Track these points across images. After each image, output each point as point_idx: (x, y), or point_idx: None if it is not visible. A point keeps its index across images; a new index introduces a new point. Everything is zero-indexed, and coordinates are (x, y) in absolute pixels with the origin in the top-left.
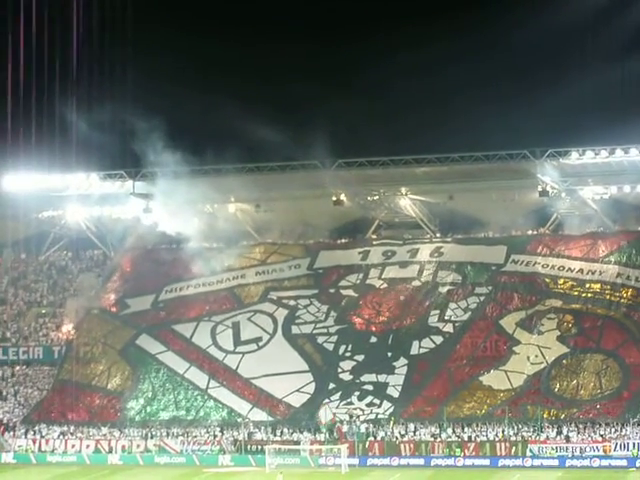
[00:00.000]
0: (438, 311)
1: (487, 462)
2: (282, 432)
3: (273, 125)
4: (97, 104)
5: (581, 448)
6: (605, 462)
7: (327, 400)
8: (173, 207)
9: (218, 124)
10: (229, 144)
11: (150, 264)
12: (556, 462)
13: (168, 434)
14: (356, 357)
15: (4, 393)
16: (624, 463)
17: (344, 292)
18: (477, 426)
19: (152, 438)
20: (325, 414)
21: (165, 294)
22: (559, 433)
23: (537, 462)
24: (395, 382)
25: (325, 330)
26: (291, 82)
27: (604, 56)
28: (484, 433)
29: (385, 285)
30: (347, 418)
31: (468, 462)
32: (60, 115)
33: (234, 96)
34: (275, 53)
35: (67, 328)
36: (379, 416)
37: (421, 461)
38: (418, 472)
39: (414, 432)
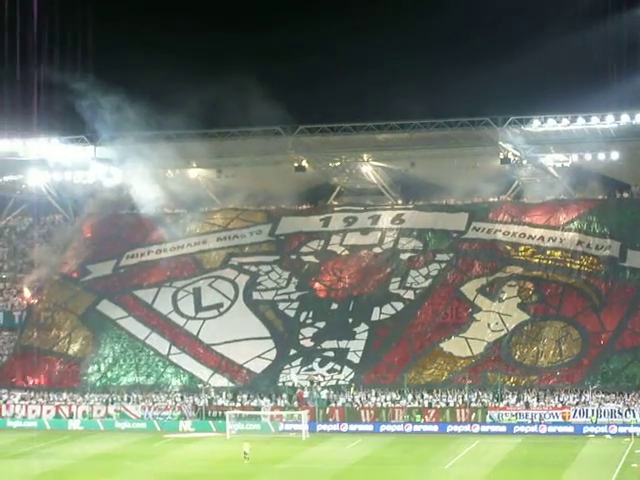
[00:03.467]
0: (399, 278)
1: (447, 428)
2: (243, 398)
3: (235, 91)
4: (58, 69)
5: (541, 415)
6: (564, 428)
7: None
8: (134, 172)
9: (180, 89)
10: (191, 109)
11: (111, 229)
12: (516, 428)
13: (129, 400)
14: (317, 323)
15: None
16: (584, 429)
17: (305, 258)
18: (437, 392)
19: (113, 404)
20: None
21: (126, 260)
22: (519, 400)
23: (497, 428)
24: (356, 348)
25: (286, 296)
26: (256, 48)
27: (566, 23)
28: (444, 399)
29: (346, 252)
30: (308, 384)
31: (428, 428)
32: (21, 80)
33: (197, 61)
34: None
35: (27, 293)
36: (340, 382)
37: (382, 427)
38: (378, 438)
39: (375, 398)
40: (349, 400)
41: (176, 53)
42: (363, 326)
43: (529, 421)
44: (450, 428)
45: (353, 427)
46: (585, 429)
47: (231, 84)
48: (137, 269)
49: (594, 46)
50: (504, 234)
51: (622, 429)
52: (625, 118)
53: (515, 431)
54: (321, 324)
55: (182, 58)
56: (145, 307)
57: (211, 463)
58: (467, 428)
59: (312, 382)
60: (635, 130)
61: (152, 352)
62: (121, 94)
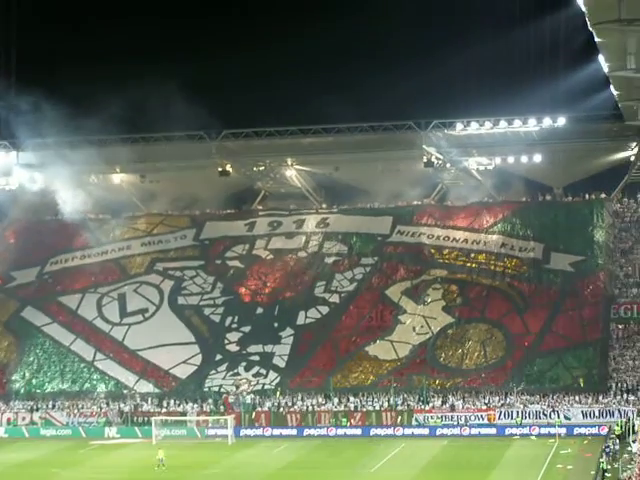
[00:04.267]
0: (324, 282)
1: (373, 431)
2: (169, 403)
3: (159, 95)
4: None
5: (466, 417)
6: (490, 430)
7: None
8: (58, 178)
9: (103, 93)
10: (114, 114)
11: (35, 235)
12: (442, 431)
13: (54, 406)
14: (242, 328)
15: None
16: (509, 431)
17: (230, 263)
18: (363, 396)
19: (38, 410)
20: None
21: (50, 266)
22: (444, 402)
23: (422, 431)
24: (281, 352)
25: (212, 301)
26: (180, 52)
27: (489, 28)
28: (370, 403)
29: (271, 256)
30: (234, 389)
31: (354, 431)
32: None
33: (120, 65)
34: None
35: None
36: (266, 386)
37: (308, 431)
38: (305, 442)
39: (301, 402)
40: (275, 404)
41: (99, 57)
42: (288, 330)
43: (455, 423)
44: (376, 431)
45: (279, 431)
46: (510, 430)
47: (155, 88)
48: (61, 275)
49: (516, 50)
50: (428, 237)
51: (547, 430)
52: (547, 121)
53: (441, 433)
54: (246, 329)
55: (105, 62)
56: (70, 313)
57: (137, 469)
58: (394, 431)
59: (238, 387)
60: (557, 133)
61: (77, 358)
62: (43, 98)
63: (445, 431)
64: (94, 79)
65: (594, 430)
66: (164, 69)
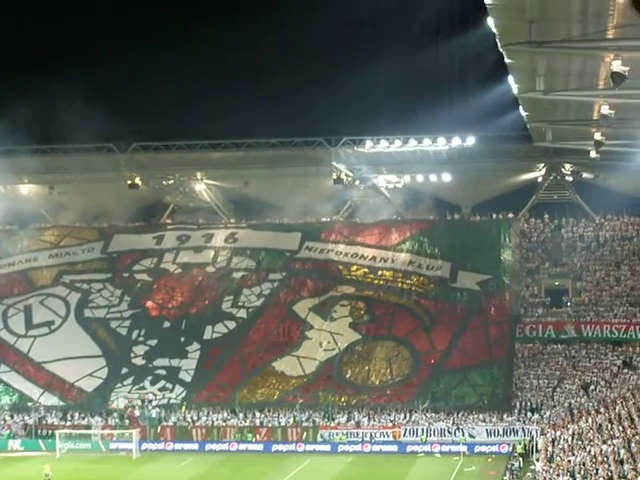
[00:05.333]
0: (232, 297)
1: (279, 447)
2: (73, 416)
3: (67, 106)
4: None
5: (371, 434)
6: (395, 447)
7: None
8: None
9: (11, 104)
10: (22, 124)
11: None
12: (347, 447)
13: None
14: (149, 342)
15: None
16: (413, 448)
17: (138, 276)
18: (269, 411)
19: None
20: (118, 402)
21: None
22: (350, 419)
23: (328, 447)
24: (188, 367)
25: (119, 314)
26: (93, 62)
27: (400, 46)
28: (276, 419)
29: (179, 270)
30: (139, 403)
31: (259, 447)
32: None
33: (28, 74)
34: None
35: None
36: (171, 401)
37: (213, 446)
38: (210, 457)
39: (206, 417)
40: (180, 419)
41: (10, 64)
42: (195, 345)
43: (360, 440)
44: (281, 447)
45: (184, 446)
46: (415, 448)
47: (63, 99)
48: None
49: (427, 69)
50: (336, 254)
51: (451, 447)
52: (456, 141)
53: (346, 450)
54: (153, 342)
55: (12, 70)
56: None
57: None
58: (298, 447)
59: (143, 401)
60: (466, 152)
61: None
62: None
63: (350, 448)
64: (3, 87)
65: (498, 448)
66: (73, 79)
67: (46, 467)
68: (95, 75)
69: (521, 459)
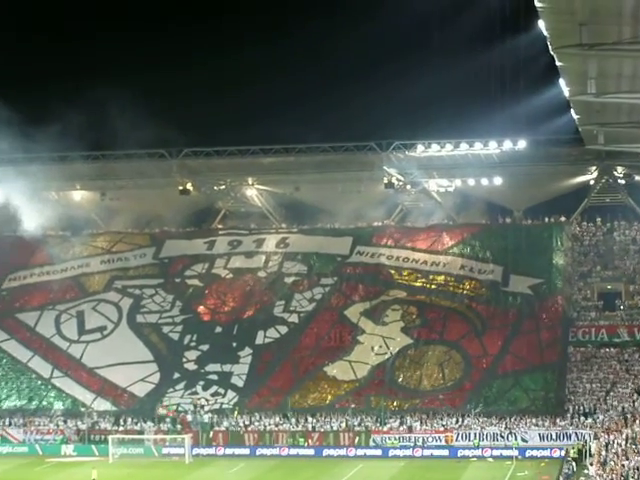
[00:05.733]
0: (283, 301)
1: (330, 452)
2: (126, 422)
3: (120, 112)
4: None
5: (424, 438)
6: (447, 452)
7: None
8: (18, 194)
9: (63, 110)
10: (76, 131)
11: None
12: (399, 452)
13: (10, 423)
14: (201, 347)
15: None
16: (465, 453)
17: (189, 282)
18: (321, 416)
19: None
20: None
21: (9, 282)
22: (402, 423)
23: (380, 452)
24: (240, 372)
25: (170, 320)
26: (142, 70)
27: (451, 49)
28: (328, 423)
29: (231, 275)
30: (191, 408)
31: (311, 452)
32: None
33: (81, 82)
34: (116, 41)
35: None
36: (223, 406)
37: (265, 451)
38: (262, 462)
39: (258, 422)
40: (232, 424)
41: (60, 72)
42: (247, 350)
43: (412, 444)
44: (333, 452)
45: (236, 451)
46: (467, 452)
47: (115, 105)
48: (20, 292)
49: (478, 72)
50: (388, 258)
51: (504, 452)
52: (508, 144)
53: (398, 455)
54: (205, 347)
55: (68, 77)
56: (27, 330)
57: None
58: (350, 452)
59: (195, 406)
60: (517, 156)
61: (34, 375)
62: (5, 115)
63: (402, 452)
64: (53, 95)
65: (551, 453)
66: (126, 86)
67: (93, 472)
68: (146, 82)
69: (574, 463)
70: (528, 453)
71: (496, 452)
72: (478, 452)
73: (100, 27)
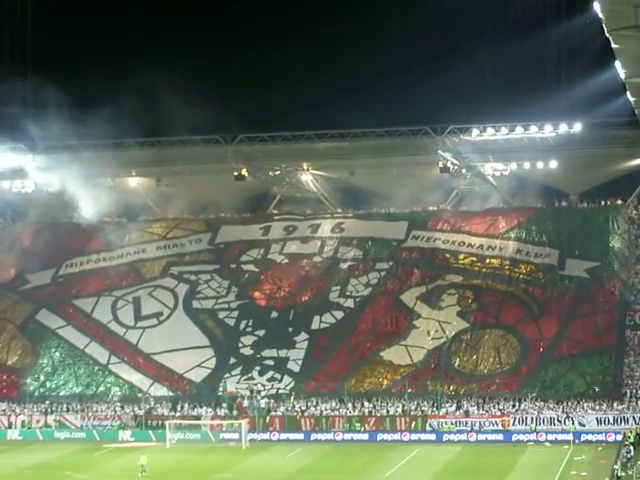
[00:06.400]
0: (339, 286)
1: (387, 436)
2: (183, 407)
3: (175, 99)
4: None
5: (480, 423)
6: (504, 436)
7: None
8: (73, 180)
9: (120, 97)
10: (130, 117)
11: (50, 238)
12: (455, 436)
13: (68, 409)
14: (257, 332)
15: None
16: (522, 437)
17: (245, 267)
18: (377, 401)
19: (52, 413)
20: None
21: (65, 269)
22: (458, 408)
23: (436, 436)
24: (296, 357)
25: (226, 305)
26: (197, 56)
27: (504, 33)
28: (384, 408)
29: (286, 260)
30: (248, 393)
31: (367, 436)
32: None
33: (136, 68)
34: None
35: None
36: (280, 391)
37: (321, 436)
38: (319, 447)
39: (315, 407)
40: (289, 409)
41: (116, 58)
42: (303, 335)
43: (468, 429)
44: (390, 436)
45: (293, 436)
46: (524, 437)
47: (171, 92)
48: (76, 278)
49: (533, 55)
50: (443, 242)
51: (561, 437)
52: (563, 127)
53: (454, 439)
54: (261, 332)
55: (123, 66)
56: (84, 316)
57: (151, 473)
58: (407, 436)
59: (252, 391)
60: (573, 139)
61: (91, 361)
62: (57, 100)
63: (458, 437)
64: (109, 81)
65: (608, 437)
66: (180, 72)
67: (142, 458)
68: (201, 68)
69: (632, 447)
70: (585, 437)
71: (553, 436)
72: (535, 436)
73: (159, 10)
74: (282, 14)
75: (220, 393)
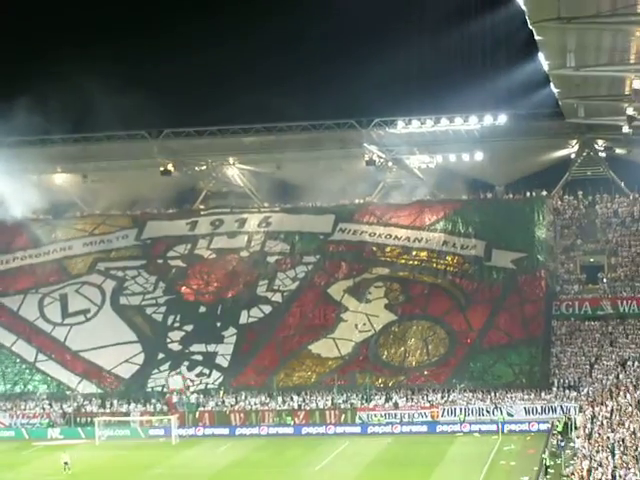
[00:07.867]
0: (266, 281)
1: (317, 430)
2: (112, 404)
3: (100, 94)
4: None
5: (409, 414)
6: (433, 427)
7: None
8: None
9: (45, 93)
10: (55, 113)
11: None
12: (385, 428)
13: None
14: (185, 327)
15: None
16: (451, 428)
17: (172, 262)
18: (307, 394)
19: None
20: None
21: None
22: (387, 400)
23: (366, 429)
24: (224, 352)
25: (154, 301)
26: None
27: (430, 25)
28: (314, 401)
29: (213, 255)
30: (180, 386)
31: (297, 430)
32: None
33: (60, 65)
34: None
35: None
36: (209, 386)
37: (251, 430)
38: (249, 441)
39: (244, 401)
40: (218, 404)
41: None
42: (231, 330)
43: (398, 421)
44: (319, 430)
45: (223, 431)
46: (453, 427)
47: (96, 87)
48: (2, 276)
49: (457, 48)
50: (370, 235)
51: (489, 427)
52: (488, 119)
53: (384, 431)
54: (189, 327)
55: (46, 60)
56: (11, 314)
57: (80, 470)
58: (337, 429)
59: (188, 387)
60: (498, 131)
61: (19, 359)
62: None
63: (388, 429)
64: (32, 77)
65: (536, 426)
66: (105, 67)
67: (64, 456)
68: (126, 62)
69: (560, 437)
70: (513, 427)
71: (482, 427)
72: (464, 427)
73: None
74: (204, 9)
75: (151, 388)
